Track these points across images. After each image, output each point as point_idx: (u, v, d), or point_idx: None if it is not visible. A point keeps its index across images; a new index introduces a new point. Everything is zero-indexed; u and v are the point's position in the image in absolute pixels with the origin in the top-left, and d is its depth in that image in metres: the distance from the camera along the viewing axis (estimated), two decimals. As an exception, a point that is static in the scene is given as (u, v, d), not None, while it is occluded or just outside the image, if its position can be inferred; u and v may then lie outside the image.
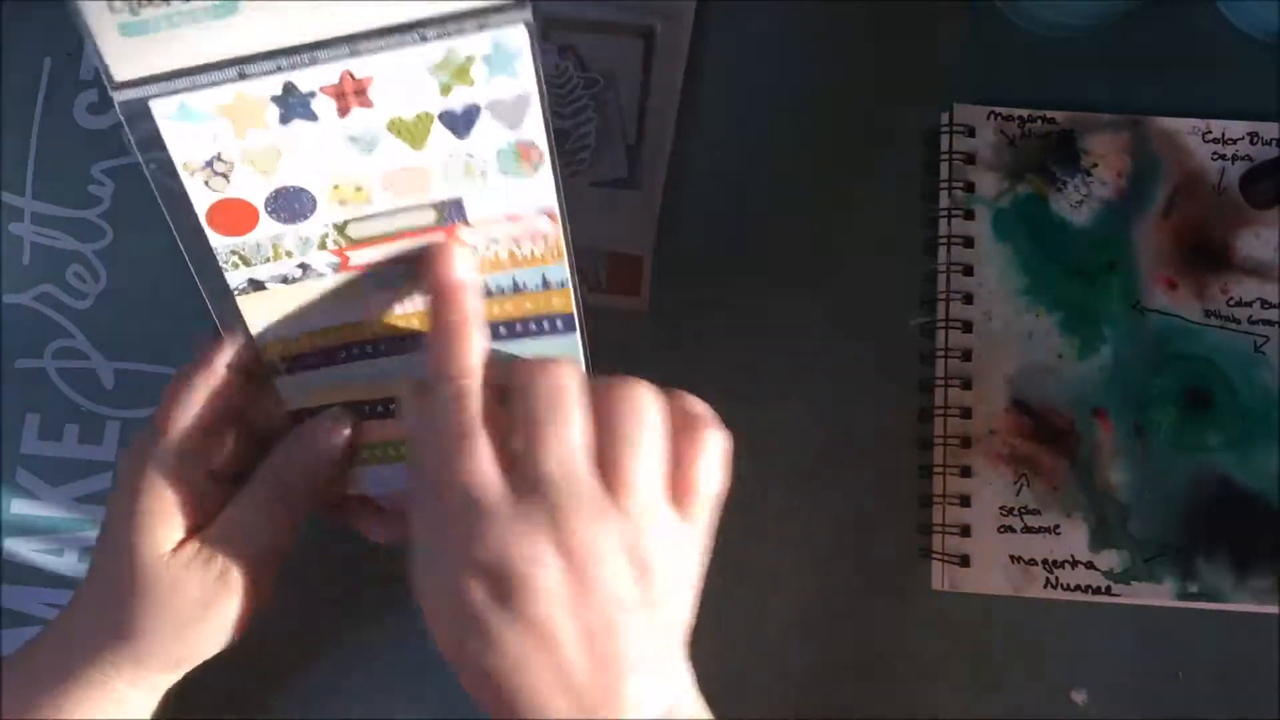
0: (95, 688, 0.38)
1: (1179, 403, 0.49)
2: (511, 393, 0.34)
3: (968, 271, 0.50)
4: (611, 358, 0.49)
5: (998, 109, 0.51)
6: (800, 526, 0.49)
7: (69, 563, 0.48)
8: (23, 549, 0.48)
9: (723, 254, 0.50)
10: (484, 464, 0.33)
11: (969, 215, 0.50)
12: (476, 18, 0.31)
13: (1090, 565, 0.48)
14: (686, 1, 0.51)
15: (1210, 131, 0.51)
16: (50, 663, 0.39)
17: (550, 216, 0.36)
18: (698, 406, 0.37)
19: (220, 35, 0.31)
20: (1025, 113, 0.51)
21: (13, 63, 0.51)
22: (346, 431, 0.39)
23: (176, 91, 0.31)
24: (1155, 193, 0.50)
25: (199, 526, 0.38)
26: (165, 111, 0.32)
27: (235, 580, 0.37)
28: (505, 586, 0.32)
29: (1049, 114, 0.51)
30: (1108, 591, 0.48)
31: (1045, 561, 0.48)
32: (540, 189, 0.35)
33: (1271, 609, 0.48)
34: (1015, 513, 0.48)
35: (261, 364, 0.38)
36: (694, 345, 0.50)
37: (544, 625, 0.33)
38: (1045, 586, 0.48)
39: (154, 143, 0.32)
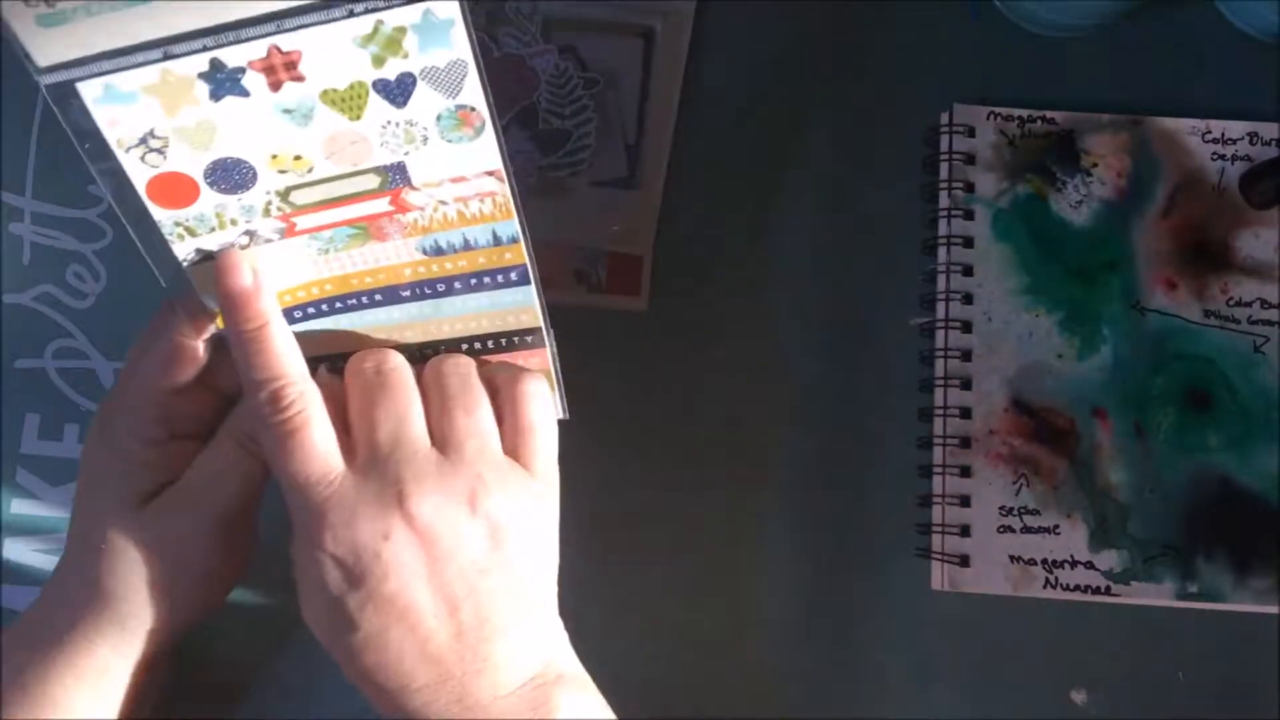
0: (81, 655, 0.38)
1: (1179, 403, 0.49)
2: (347, 383, 0.36)
3: (968, 271, 0.50)
4: (611, 358, 0.50)
5: (998, 109, 0.51)
6: (800, 526, 0.49)
7: (69, 563, 0.48)
8: (23, 549, 0.48)
9: (723, 254, 0.50)
10: (317, 455, 0.34)
11: (969, 215, 0.50)
12: None
13: (1090, 565, 0.48)
14: (686, 1, 0.51)
15: (1210, 131, 0.51)
16: (35, 635, 0.39)
17: (496, 176, 0.36)
18: (512, 367, 0.38)
19: (141, 19, 0.31)
20: (1025, 113, 0.51)
21: (13, 63, 0.51)
22: None
23: (101, 74, 0.31)
24: (1155, 193, 0.50)
25: (167, 484, 0.38)
26: (92, 94, 0.32)
27: (204, 533, 0.38)
28: (358, 570, 0.33)
29: (1049, 114, 0.51)
30: (1107, 592, 0.48)
31: (1045, 561, 0.48)
32: (484, 151, 0.35)
33: (1271, 609, 0.48)
34: (1015, 513, 0.48)
35: (216, 329, 0.38)
36: (694, 345, 0.50)
37: (399, 598, 0.33)
38: (1045, 586, 0.48)
39: (85, 124, 0.33)
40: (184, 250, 0.36)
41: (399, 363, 0.36)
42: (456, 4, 0.32)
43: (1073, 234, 0.50)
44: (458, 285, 0.39)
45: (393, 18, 0.32)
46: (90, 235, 0.50)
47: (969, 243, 0.50)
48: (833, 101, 0.51)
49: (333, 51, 0.32)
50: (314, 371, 0.39)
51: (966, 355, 0.49)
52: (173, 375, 0.38)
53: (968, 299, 0.49)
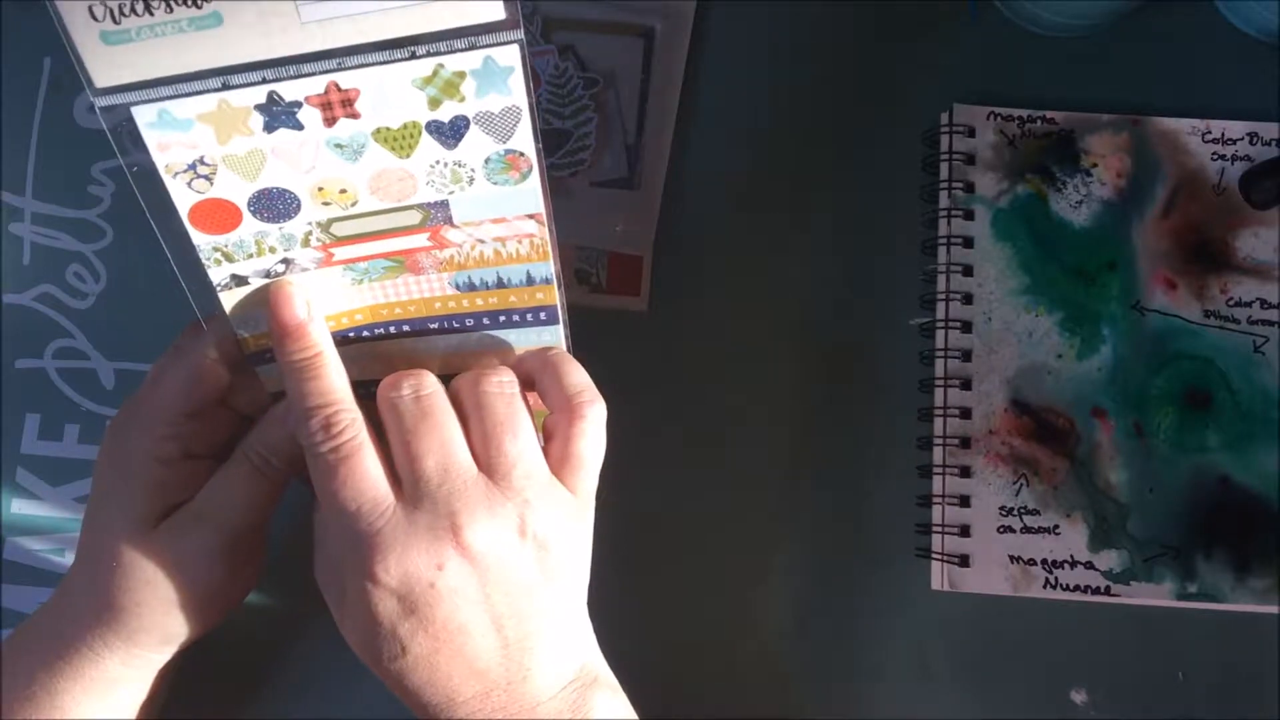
0: (88, 666, 0.38)
1: (1179, 403, 0.49)
2: (381, 409, 0.36)
3: (968, 271, 0.50)
4: (611, 358, 0.49)
5: (998, 109, 0.51)
6: (800, 526, 0.49)
7: (69, 563, 0.48)
8: (23, 549, 0.48)
9: (723, 254, 0.50)
10: (369, 484, 0.34)
11: (969, 215, 0.50)
12: (468, 36, 0.31)
13: (1090, 565, 0.48)
14: (686, 1, 0.51)
15: (1210, 131, 0.51)
16: (42, 645, 0.39)
17: (536, 219, 0.36)
18: (575, 376, 0.38)
19: (204, 46, 0.31)
20: (1025, 113, 0.51)
21: (13, 63, 0.51)
22: None
23: (158, 99, 0.31)
24: (1155, 193, 0.50)
25: (181, 502, 0.38)
26: (146, 118, 0.32)
27: (217, 551, 0.38)
28: (410, 599, 0.34)
29: (1049, 114, 0.51)
30: (1107, 592, 0.48)
31: (1045, 561, 0.48)
32: (527, 196, 0.36)
33: (1271, 609, 0.48)
34: (1015, 513, 0.48)
35: (242, 354, 0.38)
36: (694, 345, 0.50)
37: (450, 623, 0.34)
38: (1045, 586, 0.48)
39: (136, 147, 0.32)
40: (219, 275, 0.36)
41: (435, 386, 0.36)
42: (518, 51, 0.32)
43: (1073, 234, 0.50)
44: (486, 321, 0.39)
45: (454, 62, 0.32)
46: (90, 235, 0.50)
47: (969, 243, 0.50)
48: (833, 101, 0.51)
49: (391, 91, 0.32)
50: None
51: (966, 355, 0.49)
52: (194, 397, 0.38)
53: (968, 299, 0.49)
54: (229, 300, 0.37)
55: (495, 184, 0.35)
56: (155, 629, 0.38)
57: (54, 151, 0.50)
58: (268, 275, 0.36)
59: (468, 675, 0.34)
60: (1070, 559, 0.48)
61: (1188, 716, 0.48)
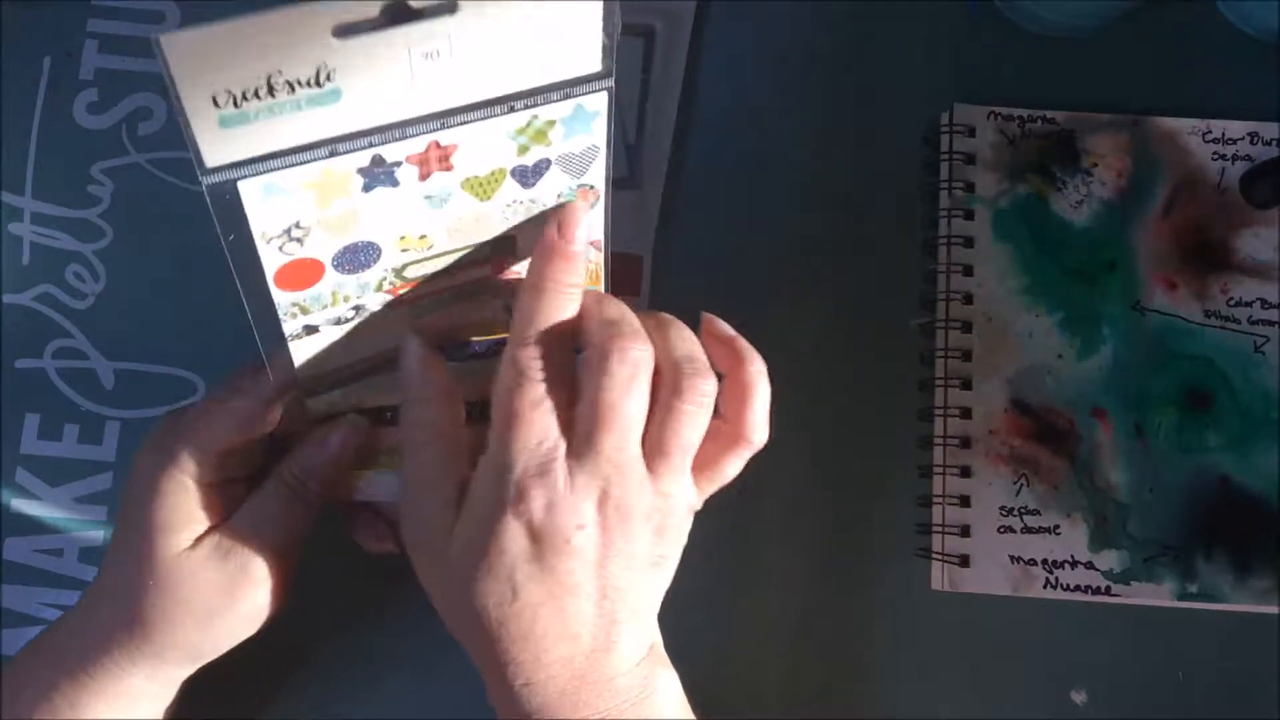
0: (111, 681, 0.39)
1: (1179, 403, 0.49)
2: (586, 353, 0.36)
3: (968, 271, 0.50)
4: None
5: (998, 109, 0.51)
6: (800, 526, 0.49)
7: (69, 563, 0.48)
8: (23, 549, 0.48)
9: (723, 254, 0.50)
10: (555, 424, 0.35)
11: (969, 215, 0.50)
12: (564, 88, 0.32)
13: (1090, 565, 0.48)
14: (686, 1, 0.51)
15: (1210, 131, 0.51)
16: (65, 656, 0.39)
17: (595, 246, 0.37)
18: (756, 407, 0.38)
19: (319, 121, 0.30)
20: (1025, 113, 0.51)
21: (13, 63, 0.51)
22: (361, 439, 0.40)
23: (266, 172, 0.30)
24: (1155, 193, 0.50)
25: (216, 524, 0.39)
26: (252, 191, 0.31)
27: (254, 572, 0.39)
28: (544, 545, 0.35)
29: (1049, 114, 0.51)
30: (1107, 592, 0.48)
31: (1045, 562, 0.48)
32: (591, 224, 0.36)
33: (1271, 609, 0.48)
34: (1015, 513, 0.48)
35: (301, 399, 0.39)
36: (694, 345, 0.50)
37: (567, 580, 0.35)
38: (1045, 587, 0.48)
39: (236, 219, 0.31)
40: (293, 327, 0.36)
41: (650, 366, 0.36)
42: (606, 96, 0.32)
43: (1073, 234, 0.50)
44: None
45: (547, 112, 0.32)
46: (90, 235, 0.50)
47: (969, 243, 0.50)
48: (833, 101, 0.51)
49: (486, 143, 0.32)
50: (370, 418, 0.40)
51: (966, 355, 0.49)
52: (245, 434, 0.39)
53: (968, 299, 0.49)
54: (298, 349, 0.37)
55: None
56: (185, 646, 0.39)
57: (54, 151, 0.50)
58: (338, 322, 0.37)
59: (561, 635, 0.35)
60: (1070, 559, 0.48)
61: (1188, 716, 0.48)
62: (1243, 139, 0.51)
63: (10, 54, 0.51)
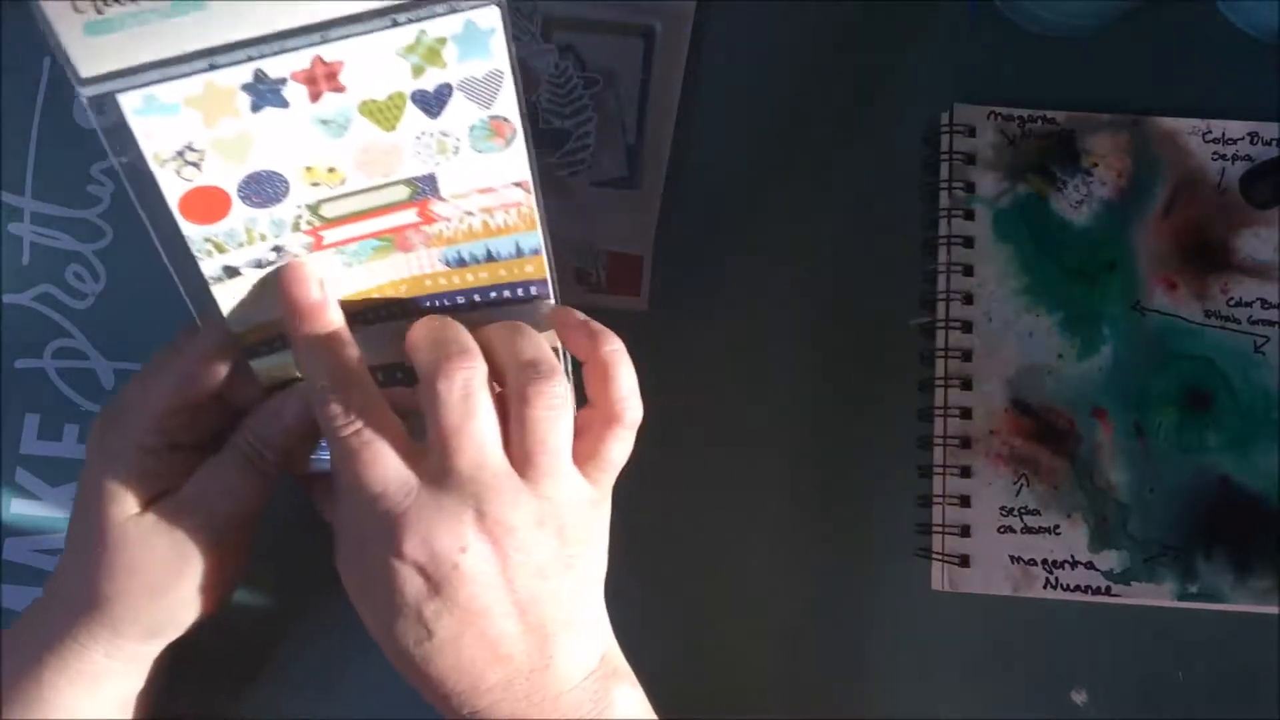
0: (73, 658, 0.38)
1: (1179, 403, 0.49)
2: (419, 384, 0.35)
3: (968, 271, 0.50)
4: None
5: (998, 109, 0.51)
6: (800, 526, 0.49)
7: (69, 563, 0.48)
8: (23, 549, 0.48)
9: (723, 254, 0.50)
10: (393, 466, 0.34)
11: (969, 215, 0.50)
12: (447, 1, 0.31)
13: (1090, 565, 0.48)
14: (686, 1, 0.51)
15: (1210, 131, 0.51)
16: (33, 639, 0.39)
17: (523, 187, 0.36)
18: (627, 381, 0.37)
19: (188, 29, 0.30)
20: (1025, 113, 0.51)
21: (13, 63, 0.51)
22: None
23: (144, 84, 0.31)
24: (1155, 193, 0.50)
25: (164, 492, 0.38)
26: (132, 104, 0.31)
27: (203, 542, 0.38)
28: (436, 578, 0.34)
29: (1049, 114, 0.51)
30: (1108, 592, 0.48)
31: (1045, 562, 0.48)
32: (513, 162, 0.35)
33: (1271, 609, 0.48)
34: (1015, 513, 0.48)
35: (237, 349, 0.38)
36: (694, 345, 0.50)
37: (474, 604, 0.34)
38: (1045, 587, 0.48)
39: (123, 136, 0.32)
40: (211, 267, 0.36)
41: (483, 380, 0.35)
42: (498, 12, 0.32)
43: (1073, 234, 0.50)
44: (477, 299, 0.39)
45: (435, 28, 0.32)
46: (90, 235, 0.50)
47: (969, 243, 0.50)
48: (833, 101, 0.51)
49: (374, 61, 0.32)
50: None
51: (966, 355, 0.49)
52: (185, 395, 0.38)
53: (968, 299, 0.49)
54: (222, 294, 0.36)
55: (480, 151, 0.35)
56: (139, 619, 0.38)
57: (54, 151, 0.50)
58: (259, 265, 0.36)
59: (491, 660, 0.35)
60: (1071, 559, 0.48)
61: (1188, 717, 0.48)
62: (1243, 139, 0.51)
63: (10, 54, 0.51)
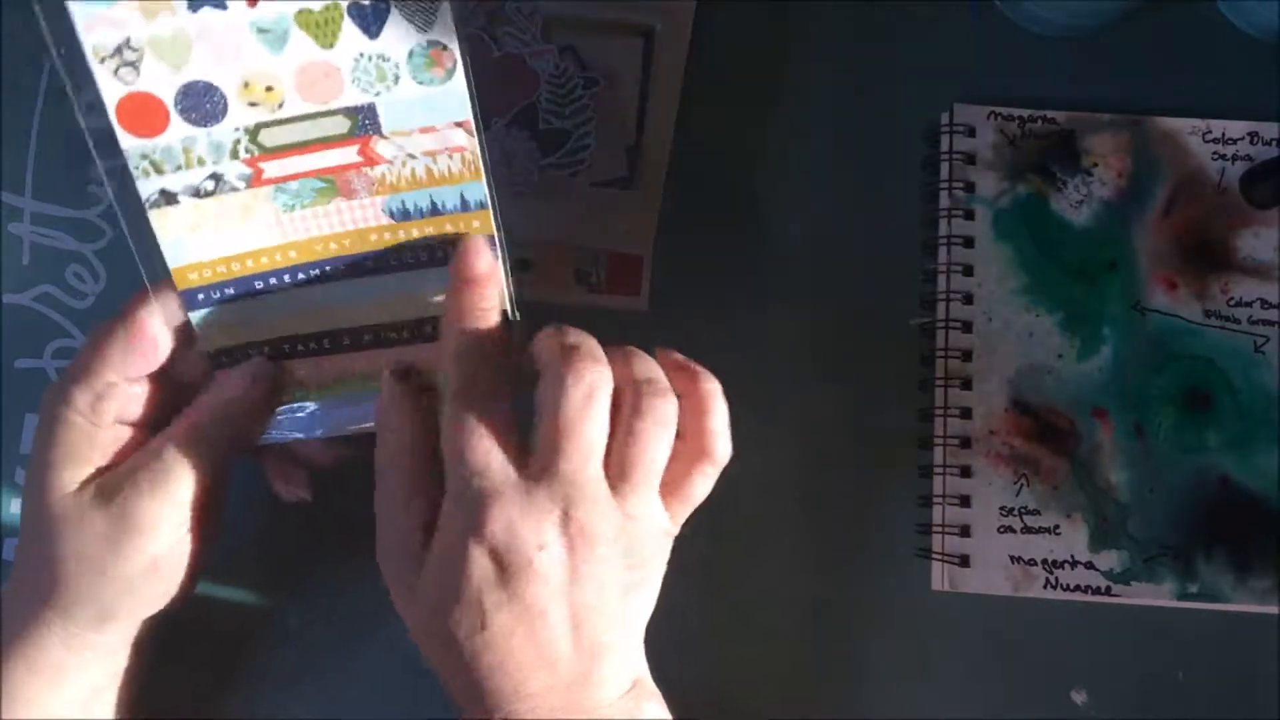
0: (31, 649, 0.37)
1: (1179, 403, 0.49)
2: (542, 377, 0.36)
3: (968, 271, 0.50)
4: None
5: (998, 109, 0.51)
6: (800, 526, 0.49)
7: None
8: (23, 549, 0.48)
9: (723, 254, 0.50)
10: (504, 447, 0.35)
11: (969, 215, 0.50)
12: None
13: (1090, 565, 0.48)
14: (686, 1, 0.51)
15: (1210, 131, 0.51)
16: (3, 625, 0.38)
17: (466, 129, 0.36)
18: (721, 421, 0.39)
19: None
20: (1025, 113, 0.51)
21: (13, 63, 0.51)
22: (266, 384, 0.39)
23: None
24: (1155, 193, 0.50)
25: (108, 468, 0.38)
26: None
27: (139, 519, 0.37)
28: (509, 569, 0.34)
29: (1049, 114, 0.51)
30: (1108, 592, 0.48)
31: (1045, 562, 0.48)
32: (454, 99, 0.35)
33: (1271, 609, 0.48)
34: (1015, 513, 0.48)
35: (179, 299, 0.38)
36: (694, 345, 0.50)
37: (536, 604, 0.34)
38: (1045, 587, 0.48)
39: (63, 26, 0.32)
40: (148, 189, 0.35)
41: (609, 387, 0.36)
42: None
43: (1073, 234, 0.50)
44: (423, 256, 0.38)
45: None
46: (90, 235, 0.50)
47: (969, 243, 0.50)
48: (833, 101, 0.51)
49: None
50: (249, 358, 0.39)
51: (966, 355, 0.49)
52: (127, 357, 0.37)
53: (968, 299, 0.49)
54: (160, 222, 0.36)
55: (421, 83, 0.35)
56: (89, 602, 0.37)
57: (54, 151, 0.50)
58: (198, 194, 0.36)
59: (537, 664, 0.35)
60: (1070, 559, 0.48)
61: (1188, 716, 0.48)
62: (1243, 139, 0.51)
63: (10, 54, 0.51)
